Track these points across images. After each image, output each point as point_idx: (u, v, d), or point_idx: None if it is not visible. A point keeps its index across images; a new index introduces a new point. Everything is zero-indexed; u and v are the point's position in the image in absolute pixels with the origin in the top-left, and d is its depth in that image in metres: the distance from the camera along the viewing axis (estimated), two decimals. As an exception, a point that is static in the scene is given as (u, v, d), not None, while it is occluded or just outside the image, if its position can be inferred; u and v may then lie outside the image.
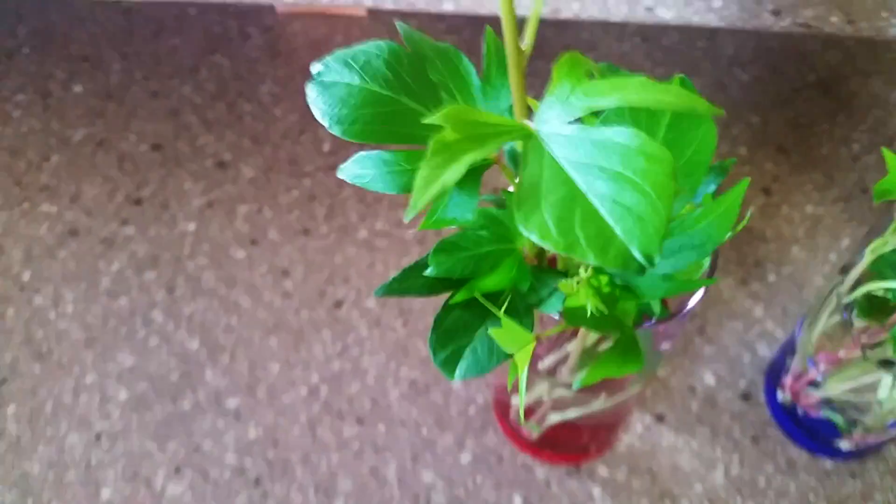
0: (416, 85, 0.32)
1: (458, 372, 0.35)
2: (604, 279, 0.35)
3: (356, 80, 0.31)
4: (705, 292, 0.61)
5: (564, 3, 0.61)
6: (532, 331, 0.35)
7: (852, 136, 0.69)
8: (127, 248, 0.63)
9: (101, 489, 0.53)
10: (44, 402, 0.57)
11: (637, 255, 0.20)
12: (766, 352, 0.59)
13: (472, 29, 0.74)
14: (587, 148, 0.22)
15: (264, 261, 0.62)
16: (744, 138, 0.69)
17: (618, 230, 0.20)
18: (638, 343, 0.36)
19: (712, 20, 0.59)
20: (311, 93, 0.31)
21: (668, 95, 0.22)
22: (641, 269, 0.20)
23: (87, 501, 0.53)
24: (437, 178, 0.21)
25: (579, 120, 0.24)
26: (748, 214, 0.38)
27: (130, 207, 0.65)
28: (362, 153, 0.34)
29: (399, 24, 0.33)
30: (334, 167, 0.63)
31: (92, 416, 0.56)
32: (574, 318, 0.33)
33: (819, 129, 0.70)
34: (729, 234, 0.37)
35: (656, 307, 0.39)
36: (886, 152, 0.40)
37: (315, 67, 0.31)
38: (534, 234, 0.21)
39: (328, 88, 0.31)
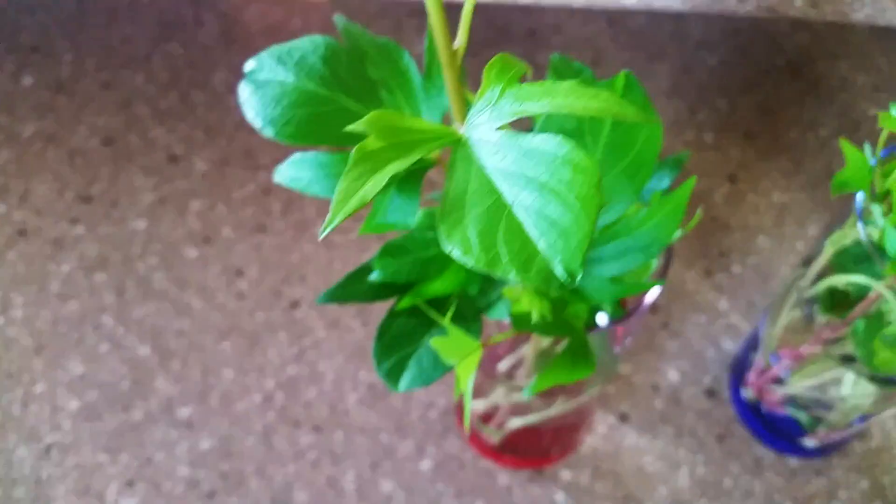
0: (355, 82, 0.30)
1: (402, 383, 0.33)
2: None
3: (290, 78, 0.29)
4: (668, 286, 0.60)
5: (523, -9, 0.59)
6: (479, 337, 0.34)
7: (820, 121, 0.68)
8: (77, 249, 0.61)
9: None
10: (-9, 413, 0.55)
11: (559, 271, 0.19)
12: (731, 346, 0.58)
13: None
14: (515, 156, 0.20)
15: (217, 260, 0.60)
16: (710, 124, 0.67)
17: (541, 245, 0.19)
18: (589, 347, 0.35)
19: (676, 4, 0.58)
20: (244, 92, 0.29)
21: (597, 102, 0.20)
22: (562, 287, 0.19)
23: (37, 516, 0.52)
24: (358, 191, 0.20)
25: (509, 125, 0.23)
26: (697, 213, 0.36)
27: (80, 206, 0.63)
28: (298, 155, 0.32)
29: (337, 18, 0.31)
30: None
31: (42, 428, 0.55)
32: (521, 323, 0.32)
33: (787, 113, 0.68)
34: (676, 234, 0.35)
35: (608, 309, 0.38)
36: (845, 144, 0.39)
37: (248, 65, 0.29)
38: (456, 249, 0.20)
39: (261, 87, 0.29)
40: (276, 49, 0.28)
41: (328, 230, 0.19)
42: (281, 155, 0.32)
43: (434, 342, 0.30)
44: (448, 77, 0.23)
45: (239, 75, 0.29)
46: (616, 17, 0.72)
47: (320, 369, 0.56)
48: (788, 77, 0.70)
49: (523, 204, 0.19)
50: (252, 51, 0.30)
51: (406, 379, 0.32)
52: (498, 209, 0.19)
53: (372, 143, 0.20)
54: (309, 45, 0.28)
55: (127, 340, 0.57)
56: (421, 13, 0.71)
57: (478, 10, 0.68)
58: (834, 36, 0.72)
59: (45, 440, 0.54)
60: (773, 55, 0.71)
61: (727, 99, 0.69)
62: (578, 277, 0.18)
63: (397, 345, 0.32)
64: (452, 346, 0.30)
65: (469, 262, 0.19)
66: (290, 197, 0.63)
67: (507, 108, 0.20)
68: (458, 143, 0.21)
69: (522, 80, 0.22)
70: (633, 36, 0.72)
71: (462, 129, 0.21)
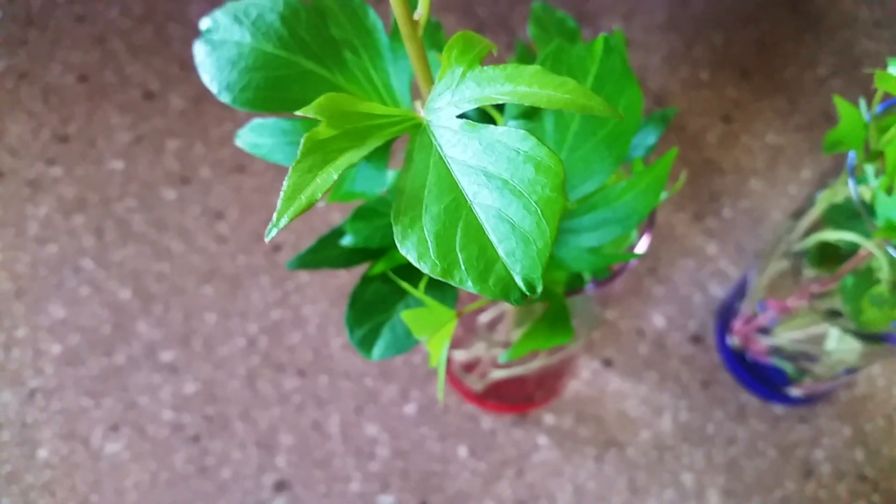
0: (316, 43, 0.28)
1: (375, 352, 0.33)
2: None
3: (247, 39, 0.27)
4: (656, 231, 0.58)
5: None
6: (455, 305, 0.33)
7: (818, 58, 0.66)
8: (54, 191, 0.60)
9: (38, 449, 0.52)
10: (-28, 358, 0.55)
11: (519, 281, 0.18)
12: (719, 292, 0.57)
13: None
14: (476, 148, 0.19)
15: (196, 202, 0.59)
16: (706, 60, 0.65)
17: (500, 251, 0.18)
18: (567, 313, 0.34)
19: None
20: (199, 53, 0.27)
21: (563, 91, 0.19)
22: (522, 298, 0.18)
23: (24, 462, 0.52)
24: (308, 185, 0.19)
25: (474, 112, 0.21)
26: (680, 179, 0.35)
27: (57, 145, 0.61)
28: (258, 120, 0.31)
29: None
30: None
31: (25, 373, 0.54)
32: None
33: (784, 49, 0.66)
34: (660, 199, 0.34)
35: (587, 276, 0.37)
36: (839, 100, 0.38)
37: (203, 23, 0.27)
38: (411, 254, 0.19)
39: (217, 48, 0.27)
40: (231, 6, 0.26)
41: (275, 231, 0.18)
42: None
43: (405, 315, 0.29)
44: (410, 51, 0.22)
45: (216, 6, 0.27)
46: (611, -54, 0.69)
47: (304, 314, 0.56)
48: (788, 11, 0.68)
49: (483, 203, 0.18)
50: None
51: (380, 347, 0.31)
52: (457, 208, 0.18)
53: (323, 131, 0.18)
54: (267, 1, 0.26)
55: (107, 284, 0.57)
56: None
57: (466, -62, 0.65)
58: (836, -34, 0.69)
59: (29, 384, 0.54)
60: (773, -13, 0.69)
61: (724, 33, 0.67)
62: (539, 289, 0.17)
63: (371, 312, 0.31)
64: (425, 317, 0.29)
65: (425, 267, 0.18)
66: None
67: (469, 93, 0.19)
68: (418, 130, 0.20)
69: (488, 59, 0.20)
70: (627, -34, 0.69)
71: (422, 113, 0.20)
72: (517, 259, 0.18)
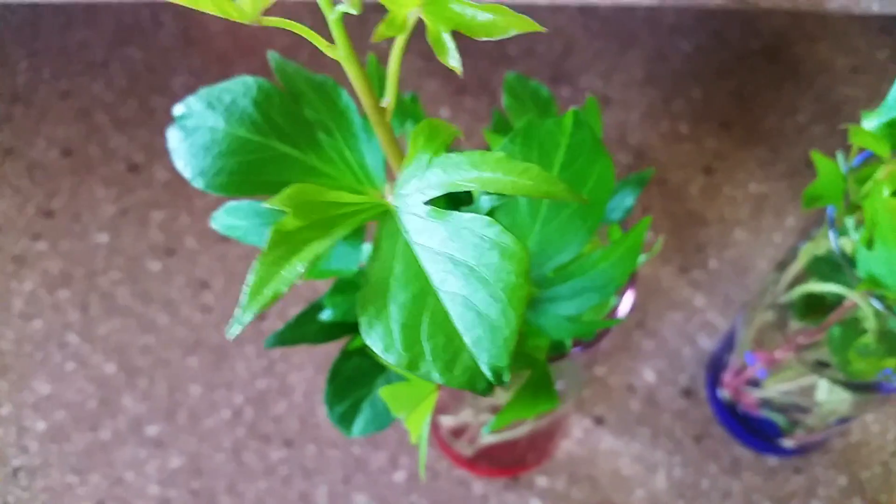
0: (289, 126, 0.28)
1: (355, 428, 0.32)
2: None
3: (221, 124, 0.27)
4: (643, 284, 0.58)
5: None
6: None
7: (798, 106, 0.67)
8: (39, 266, 0.60)
9: (21, 529, 0.51)
10: (-44, 438, 0.54)
11: (486, 370, 0.18)
12: (708, 344, 0.57)
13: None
14: (442, 235, 0.19)
15: (182, 272, 0.59)
16: (685, 114, 0.66)
17: (467, 339, 0.18)
18: (551, 380, 0.34)
19: (643, -1, 0.56)
20: (173, 139, 0.27)
21: (527, 178, 0.19)
22: (489, 388, 0.18)
23: (6, 543, 0.51)
24: (273, 279, 0.19)
25: (441, 198, 0.21)
26: (657, 243, 0.35)
27: (42, 220, 0.61)
28: (233, 203, 0.31)
29: (271, 55, 0.29)
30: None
31: (9, 451, 0.54)
32: None
33: (764, 99, 0.67)
34: (638, 264, 0.34)
35: (568, 343, 0.37)
36: (816, 155, 0.38)
37: (177, 109, 0.28)
38: (377, 345, 0.19)
39: (191, 134, 0.27)
40: (205, 92, 0.27)
41: (237, 329, 0.17)
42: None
43: (383, 392, 0.29)
44: (380, 135, 0.22)
45: (199, 78, 0.28)
46: (587, 7, 0.70)
47: (290, 382, 0.55)
48: (765, 61, 0.69)
49: (450, 290, 0.18)
50: (211, 54, 0.28)
51: (359, 424, 0.31)
52: (424, 296, 0.18)
53: (290, 222, 0.18)
54: (240, 87, 0.27)
55: (93, 358, 0.56)
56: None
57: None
58: (812, 19, 0.70)
59: (13, 463, 0.53)
60: (750, 39, 0.70)
61: (702, 87, 0.67)
62: (506, 378, 0.17)
63: (350, 388, 0.31)
64: (405, 392, 0.29)
65: (391, 358, 0.18)
66: (257, 203, 0.61)
67: (435, 180, 0.19)
68: (386, 216, 0.20)
69: (455, 144, 0.20)
70: (605, 24, 0.70)
71: (390, 199, 0.20)
72: (484, 348, 0.17)
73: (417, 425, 0.29)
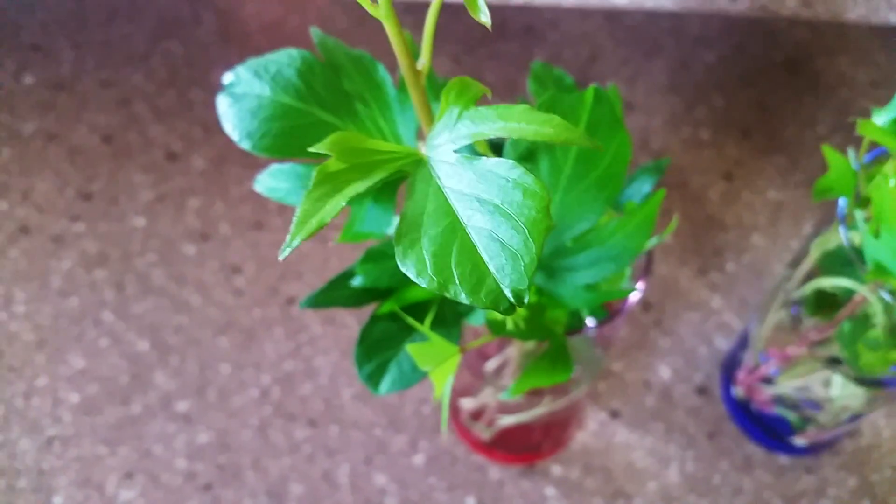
0: (330, 95, 0.30)
1: (382, 386, 0.34)
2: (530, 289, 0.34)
3: (267, 92, 0.29)
4: (661, 284, 0.60)
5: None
6: (459, 341, 0.34)
7: (818, 117, 0.68)
8: (77, 246, 0.62)
9: (53, 496, 0.53)
10: (-6, 407, 0.56)
11: (508, 293, 0.20)
12: (723, 344, 0.58)
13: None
14: (470, 178, 0.21)
15: (215, 257, 0.61)
16: (707, 121, 0.68)
17: (491, 266, 0.20)
18: (567, 351, 0.35)
19: (667, 5, 0.58)
20: (222, 104, 0.30)
21: (548, 127, 0.21)
22: (511, 308, 0.20)
23: (38, 508, 0.53)
24: (318, 212, 0.21)
25: (469, 147, 0.23)
26: (672, 221, 0.36)
27: (81, 203, 0.64)
28: (276, 166, 0.33)
29: (313, 31, 0.32)
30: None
31: (44, 421, 0.56)
32: (498, 329, 0.33)
33: (784, 110, 0.68)
34: (652, 243, 0.36)
35: (585, 313, 0.38)
36: (827, 149, 0.39)
37: (226, 77, 0.30)
38: (411, 270, 0.20)
39: (239, 100, 0.29)
40: (252, 62, 0.29)
41: (288, 251, 0.19)
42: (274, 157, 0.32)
43: (410, 348, 0.30)
44: (414, 96, 0.24)
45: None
46: (614, 14, 0.72)
47: (316, 365, 0.57)
48: (786, 74, 0.70)
49: (476, 225, 0.20)
50: (249, 48, 0.31)
51: (386, 382, 0.33)
52: (453, 230, 0.20)
53: (333, 164, 0.20)
54: (285, 58, 0.29)
55: (126, 336, 0.58)
56: (417, 9, 0.72)
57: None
58: (832, 32, 0.72)
59: (47, 432, 0.55)
60: (772, 52, 0.71)
61: (724, 96, 0.69)
62: (526, 299, 0.19)
63: (378, 349, 0.33)
64: (430, 351, 0.31)
65: (423, 282, 0.19)
66: (288, 194, 0.64)
67: (464, 131, 0.21)
68: (419, 164, 0.22)
69: (483, 101, 0.22)
70: (630, 32, 0.72)
71: (423, 150, 0.22)
72: (506, 273, 0.19)
73: (441, 381, 0.31)
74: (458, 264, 0.20)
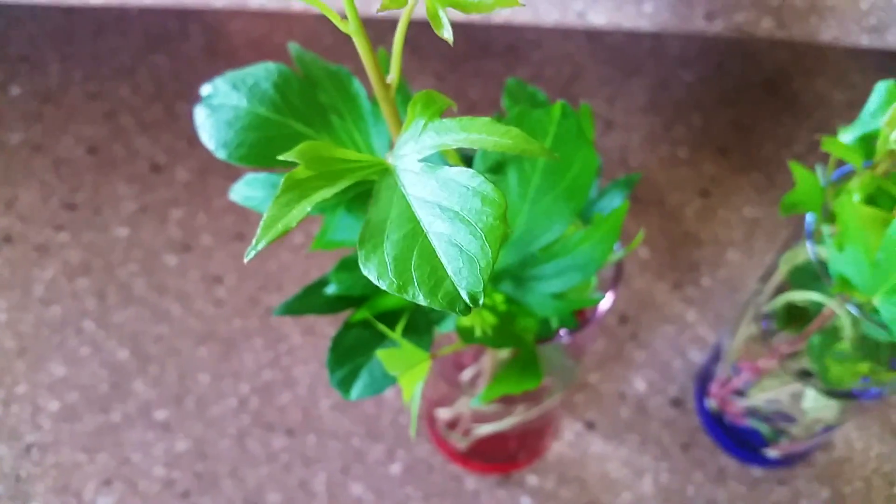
0: (305, 108, 0.31)
1: (353, 392, 0.35)
2: (498, 297, 0.35)
3: (244, 103, 0.30)
4: (637, 298, 0.61)
5: (497, 8, 0.60)
6: (429, 349, 0.35)
7: (795, 137, 0.69)
8: (60, 255, 0.63)
9: (30, 503, 0.53)
10: (-27, 414, 0.57)
11: (464, 295, 0.21)
12: (698, 357, 0.59)
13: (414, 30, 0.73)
14: (433, 186, 0.22)
15: (197, 267, 0.62)
16: (685, 139, 0.69)
17: (449, 270, 0.21)
18: (537, 359, 0.36)
19: (644, 25, 0.59)
20: (199, 115, 0.30)
21: (508, 138, 0.22)
22: (467, 309, 0.21)
23: (15, 515, 0.53)
24: (285, 216, 0.21)
25: (438, 157, 0.24)
26: (639, 235, 0.37)
27: (65, 213, 0.64)
28: (251, 175, 0.34)
29: (291, 45, 0.32)
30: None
31: (23, 428, 0.56)
32: (467, 336, 0.33)
33: (762, 129, 0.70)
34: (617, 255, 0.37)
35: (554, 322, 0.39)
36: (794, 165, 0.40)
37: (204, 89, 0.31)
38: (372, 273, 0.21)
39: (216, 111, 0.30)
40: (230, 75, 0.30)
41: (252, 254, 0.20)
42: (256, 170, 0.33)
43: (380, 353, 0.31)
44: (385, 109, 0.25)
45: None
46: (594, 34, 0.74)
47: (295, 375, 0.58)
48: (765, 94, 0.72)
49: (437, 231, 0.21)
50: (236, 64, 0.31)
51: (357, 388, 0.33)
52: (414, 235, 0.21)
53: (301, 172, 0.21)
54: (262, 71, 0.30)
55: (107, 344, 0.59)
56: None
57: (458, 26, 0.70)
58: (811, 54, 0.73)
59: (26, 439, 0.56)
60: (751, 72, 0.73)
61: (703, 115, 0.70)
62: (481, 301, 0.20)
63: (350, 355, 0.34)
64: (400, 357, 0.31)
65: (383, 284, 0.20)
66: (271, 206, 0.64)
67: (429, 141, 0.22)
68: (385, 172, 0.22)
69: (448, 113, 0.23)
70: (611, 52, 0.73)
71: (390, 159, 0.23)
72: (463, 276, 0.20)
73: (411, 386, 0.31)
74: (418, 267, 0.20)
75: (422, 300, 0.20)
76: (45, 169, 0.67)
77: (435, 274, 0.20)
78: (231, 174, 0.66)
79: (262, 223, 0.21)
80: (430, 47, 0.72)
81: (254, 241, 0.20)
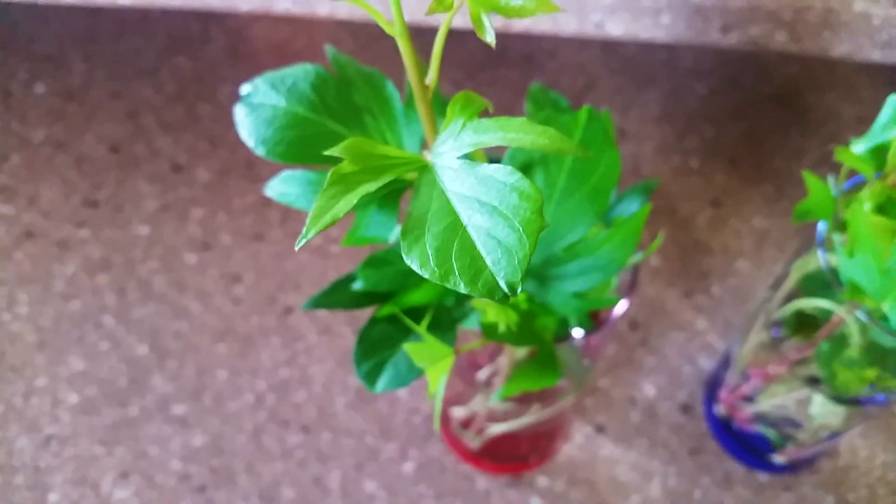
0: (341, 108, 0.32)
1: (379, 384, 0.36)
2: (521, 296, 0.36)
3: (282, 103, 0.31)
4: (648, 305, 0.62)
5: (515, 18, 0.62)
6: (453, 345, 0.36)
7: (805, 149, 0.70)
8: (81, 251, 0.64)
9: (49, 493, 0.54)
10: (-6, 405, 0.58)
11: (502, 284, 0.22)
12: (707, 364, 0.60)
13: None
14: (471, 182, 0.23)
15: (216, 266, 0.63)
16: (696, 150, 0.70)
17: (488, 261, 0.22)
18: (555, 357, 0.37)
19: (661, 36, 0.60)
20: (239, 113, 0.31)
21: (544, 138, 0.23)
22: (505, 298, 0.22)
23: (34, 505, 0.54)
24: (332, 208, 0.22)
25: (469, 157, 0.25)
26: (658, 238, 0.38)
27: (86, 210, 0.66)
28: (287, 172, 0.35)
29: (328, 48, 0.34)
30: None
31: (42, 420, 0.57)
32: (490, 333, 0.34)
33: (772, 141, 0.71)
34: (636, 257, 0.38)
35: (574, 322, 0.40)
36: (807, 174, 0.41)
37: (244, 88, 0.32)
38: (415, 262, 0.22)
39: (255, 110, 0.31)
40: (269, 75, 0.31)
41: (303, 242, 0.21)
42: (280, 168, 0.34)
43: (407, 346, 0.32)
44: (421, 109, 0.26)
45: None
46: (610, 45, 0.75)
47: (311, 373, 0.59)
48: (776, 106, 0.73)
49: (476, 224, 0.22)
50: (257, 67, 0.33)
51: (383, 380, 0.34)
52: (454, 228, 0.22)
53: (346, 166, 0.22)
54: (300, 72, 0.31)
55: (126, 340, 0.60)
56: (424, 34, 0.74)
57: (476, 36, 0.71)
58: (822, 68, 0.74)
59: (45, 431, 0.57)
60: (762, 85, 0.74)
61: (715, 126, 0.71)
62: (519, 290, 0.21)
63: (376, 349, 0.35)
64: (425, 351, 0.32)
65: (426, 273, 0.21)
66: (288, 208, 0.65)
67: (467, 140, 0.23)
68: (425, 169, 0.23)
69: (484, 114, 0.24)
70: (626, 63, 0.74)
71: (429, 157, 0.24)
72: (502, 267, 0.21)
73: (436, 378, 0.32)
74: (458, 258, 0.21)
75: (463, 289, 0.21)
76: (67, 166, 0.68)
77: (475, 264, 0.21)
78: (251, 176, 0.67)
79: (310, 214, 0.22)
80: (448, 56, 0.73)
81: (304, 231, 0.22)
